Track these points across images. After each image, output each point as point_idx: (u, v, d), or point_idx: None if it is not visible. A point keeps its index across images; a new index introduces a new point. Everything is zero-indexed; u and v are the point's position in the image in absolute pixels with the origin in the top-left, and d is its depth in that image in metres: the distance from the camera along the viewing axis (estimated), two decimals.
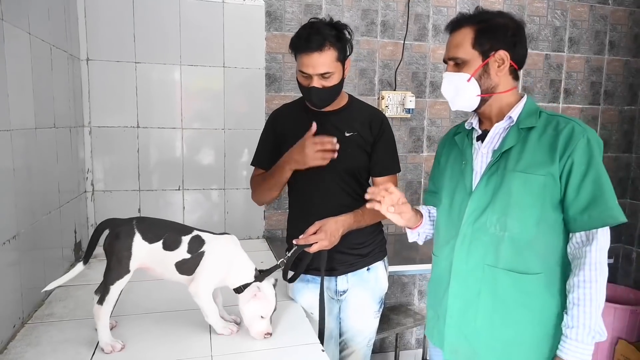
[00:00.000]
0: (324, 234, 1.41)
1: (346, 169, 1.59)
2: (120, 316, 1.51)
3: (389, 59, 2.62)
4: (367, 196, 1.31)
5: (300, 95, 1.66)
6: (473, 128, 1.37)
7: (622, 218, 1.16)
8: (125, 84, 2.27)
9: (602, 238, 1.16)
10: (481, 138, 1.33)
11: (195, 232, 1.36)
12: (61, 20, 1.92)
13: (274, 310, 1.36)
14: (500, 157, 1.25)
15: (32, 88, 1.57)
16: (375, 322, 1.71)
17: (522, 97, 1.31)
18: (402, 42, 2.61)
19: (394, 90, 2.64)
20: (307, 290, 1.63)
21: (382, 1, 2.57)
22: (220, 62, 2.38)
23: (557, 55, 2.90)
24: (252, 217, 2.53)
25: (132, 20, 2.24)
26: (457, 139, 1.41)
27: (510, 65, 1.25)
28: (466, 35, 1.24)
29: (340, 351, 1.76)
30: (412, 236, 1.49)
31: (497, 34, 1.24)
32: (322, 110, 1.62)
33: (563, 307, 1.22)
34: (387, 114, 2.61)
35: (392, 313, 2.58)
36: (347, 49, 1.55)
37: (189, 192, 2.43)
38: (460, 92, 1.28)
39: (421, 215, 1.45)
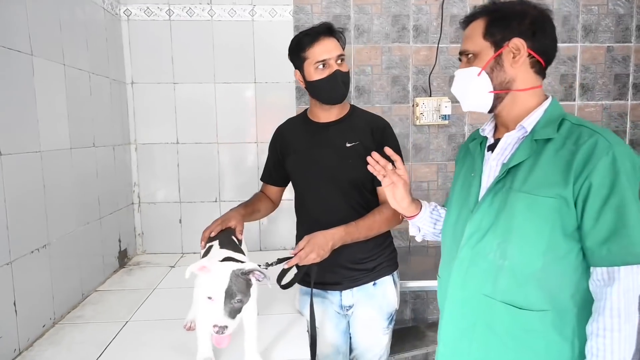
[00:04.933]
0: (311, 248, 1.40)
1: (348, 180, 1.56)
2: (139, 321, 1.63)
3: (423, 64, 2.53)
4: (369, 159, 1.29)
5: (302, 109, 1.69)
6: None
7: None
8: (165, 103, 2.44)
9: (627, 279, 0.97)
10: (492, 148, 1.20)
11: (211, 243, 1.40)
12: (102, 49, 2.13)
13: (236, 298, 1.11)
14: (508, 173, 1.11)
15: (67, 113, 1.76)
16: (384, 339, 1.65)
17: (545, 100, 1.14)
18: (436, 45, 2.50)
19: (430, 96, 2.53)
20: (314, 305, 1.62)
21: (413, 5, 2.49)
22: (252, 78, 2.46)
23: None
24: (286, 229, 2.56)
25: (170, 44, 2.41)
26: (471, 146, 1.29)
27: (532, 57, 1.10)
28: (477, 27, 1.13)
29: None
30: (412, 229, 1.42)
31: (512, 22, 1.10)
32: (323, 122, 1.61)
33: (580, 353, 1.05)
34: (421, 122, 2.52)
35: (429, 330, 2.46)
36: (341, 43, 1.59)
37: (225, 203, 2.53)
38: (471, 89, 1.15)
39: (419, 207, 1.36)
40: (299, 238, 1.69)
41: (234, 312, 1.12)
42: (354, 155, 1.56)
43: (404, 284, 2.17)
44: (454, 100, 2.53)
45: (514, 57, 1.10)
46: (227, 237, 1.42)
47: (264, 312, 1.68)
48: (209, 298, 1.13)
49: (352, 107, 1.66)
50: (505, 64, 1.11)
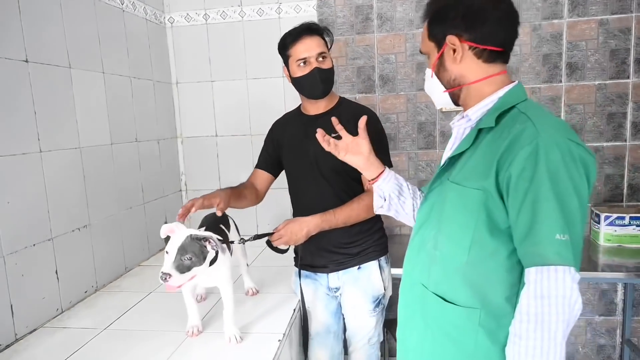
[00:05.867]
0: (284, 232, 1.53)
1: (332, 169, 1.64)
2: (160, 292, 1.89)
3: None
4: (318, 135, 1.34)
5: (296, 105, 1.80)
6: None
7: (559, 260, 0.88)
8: (205, 100, 2.70)
9: (537, 283, 0.89)
10: None
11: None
12: (144, 55, 2.42)
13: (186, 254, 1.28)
14: (451, 162, 1.11)
15: (107, 114, 2.07)
16: (371, 321, 1.71)
17: (505, 86, 1.07)
18: None
19: None
20: (303, 285, 1.74)
21: None
22: (279, 73, 2.59)
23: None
24: None
25: (207, 45, 2.65)
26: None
27: (475, 48, 1.05)
28: (425, 27, 1.13)
29: (348, 347, 1.81)
30: (377, 199, 1.32)
31: (446, 18, 1.07)
32: (313, 114, 1.71)
33: None
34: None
35: None
36: (328, 40, 1.67)
37: None
38: (429, 90, 1.19)
39: (382, 168, 1.29)
40: None
41: (181, 267, 1.28)
42: None
43: None
44: None
45: (454, 54, 1.07)
46: (214, 224, 1.58)
47: (264, 290, 1.86)
48: (167, 253, 1.31)
49: (341, 99, 1.73)
50: (447, 63, 1.09)
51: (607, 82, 2.36)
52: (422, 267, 1.14)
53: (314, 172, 1.67)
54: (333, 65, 1.66)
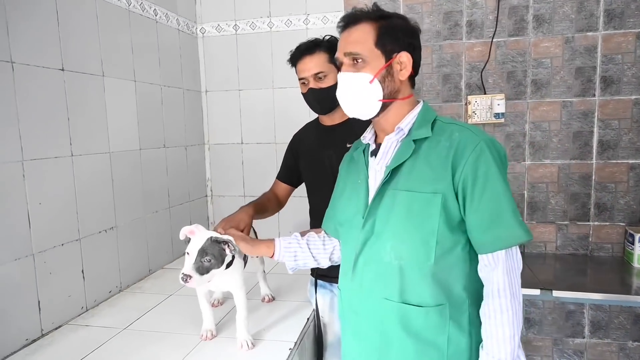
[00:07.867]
0: None
1: None
2: (180, 295, 1.94)
3: (477, 60, 2.42)
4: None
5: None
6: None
7: (525, 236, 1.05)
8: (232, 108, 2.76)
9: (509, 261, 1.06)
10: (375, 153, 1.24)
11: None
12: (176, 65, 2.51)
13: (206, 257, 1.31)
14: (392, 174, 1.14)
15: (137, 120, 2.15)
16: None
17: (417, 105, 1.22)
18: (490, 40, 2.37)
19: (485, 93, 2.42)
20: (319, 295, 1.75)
21: (467, 0, 2.40)
22: None
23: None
24: None
25: (236, 55, 2.71)
26: (355, 155, 1.33)
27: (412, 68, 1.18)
28: (368, 33, 1.14)
29: None
30: (288, 264, 1.43)
31: (399, 35, 1.14)
32: (329, 125, 1.72)
33: (475, 340, 1.12)
34: (473, 121, 2.42)
35: None
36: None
37: None
38: (361, 95, 1.15)
39: (272, 245, 1.41)
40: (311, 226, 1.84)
41: (201, 269, 1.31)
42: None
43: None
44: (517, 97, 2.40)
45: (401, 70, 1.15)
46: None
47: (280, 297, 1.88)
48: (188, 254, 1.34)
49: None
50: (395, 75, 1.15)
51: None
52: (381, 282, 1.15)
53: (330, 182, 1.67)
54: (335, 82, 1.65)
